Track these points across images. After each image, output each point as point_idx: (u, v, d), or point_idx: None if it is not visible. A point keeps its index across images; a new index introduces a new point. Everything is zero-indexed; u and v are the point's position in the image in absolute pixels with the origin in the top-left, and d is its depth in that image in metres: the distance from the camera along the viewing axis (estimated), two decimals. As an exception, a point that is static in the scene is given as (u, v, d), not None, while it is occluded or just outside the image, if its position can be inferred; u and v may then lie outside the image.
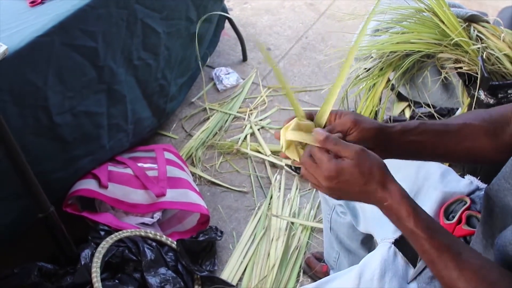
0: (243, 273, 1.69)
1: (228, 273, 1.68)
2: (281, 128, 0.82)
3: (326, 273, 1.60)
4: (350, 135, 0.80)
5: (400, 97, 2.17)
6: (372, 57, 1.43)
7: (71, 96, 1.53)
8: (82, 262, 1.49)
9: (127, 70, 1.73)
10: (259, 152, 2.09)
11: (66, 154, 1.61)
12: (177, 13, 1.87)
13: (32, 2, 1.51)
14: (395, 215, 0.73)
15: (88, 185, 1.67)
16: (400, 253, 0.99)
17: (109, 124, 1.72)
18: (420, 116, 1.96)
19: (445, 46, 1.29)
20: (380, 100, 1.71)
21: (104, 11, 1.54)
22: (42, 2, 1.51)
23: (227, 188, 1.97)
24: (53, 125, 1.51)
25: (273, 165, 2.04)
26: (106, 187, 1.67)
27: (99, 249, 1.52)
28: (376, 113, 1.63)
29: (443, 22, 1.29)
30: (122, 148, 1.85)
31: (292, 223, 1.81)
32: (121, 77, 1.70)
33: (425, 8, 1.32)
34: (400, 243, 0.99)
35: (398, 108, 2.17)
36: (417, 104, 2.01)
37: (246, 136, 2.16)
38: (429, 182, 1.07)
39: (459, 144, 0.86)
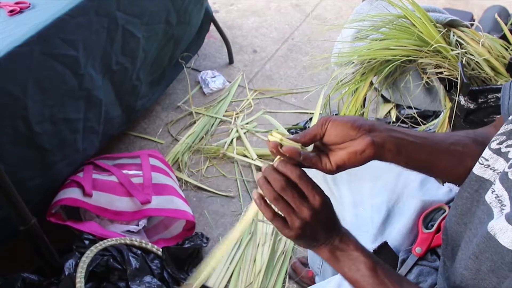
0: (229, 280, 1.68)
1: (214, 280, 1.68)
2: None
3: (312, 278, 1.60)
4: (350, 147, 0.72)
5: (386, 98, 2.17)
6: (353, 62, 1.43)
7: (51, 104, 1.52)
8: (66, 273, 1.48)
9: (105, 75, 1.72)
10: (246, 156, 2.08)
11: (44, 160, 1.59)
12: (157, 18, 1.86)
13: (11, 12, 1.50)
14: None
15: (72, 193, 1.66)
16: (378, 263, 0.99)
17: (84, 127, 1.71)
18: (405, 118, 1.96)
19: (425, 52, 1.29)
20: (364, 103, 1.71)
21: (84, 19, 1.53)
22: (21, 12, 1.50)
23: (214, 193, 1.96)
24: (33, 134, 1.49)
25: (260, 169, 2.03)
26: (90, 195, 1.66)
27: (83, 258, 1.51)
28: (359, 117, 1.63)
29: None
30: (93, 148, 1.84)
31: (278, 227, 1.80)
32: (99, 82, 1.69)
33: (402, 15, 1.31)
34: (377, 254, 0.99)
35: (384, 109, 2.17)
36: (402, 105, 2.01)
37: (232, 140, 2.15)
38: (408, 190, 1.07)
39: (450, 150, 0.80)
